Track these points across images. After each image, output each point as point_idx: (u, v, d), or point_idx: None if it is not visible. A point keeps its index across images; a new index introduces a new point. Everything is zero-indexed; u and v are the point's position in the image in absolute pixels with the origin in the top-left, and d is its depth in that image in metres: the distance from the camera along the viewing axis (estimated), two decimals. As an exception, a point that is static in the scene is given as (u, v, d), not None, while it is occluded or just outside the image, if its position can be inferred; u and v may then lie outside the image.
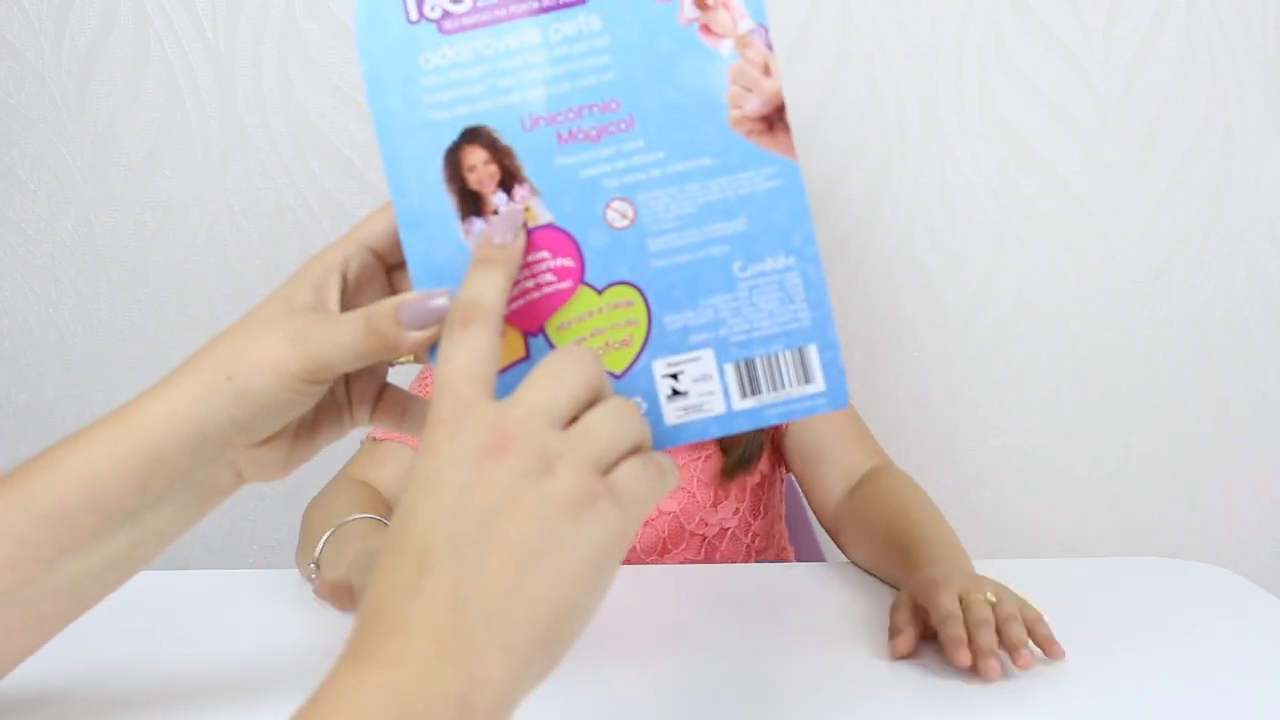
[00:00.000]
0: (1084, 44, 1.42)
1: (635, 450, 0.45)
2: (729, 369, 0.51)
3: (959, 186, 1.47)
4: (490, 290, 0.47)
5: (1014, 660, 0.67)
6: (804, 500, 1.13)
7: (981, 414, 1.53)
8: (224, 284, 1.55)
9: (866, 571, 0.90)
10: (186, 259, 1.54)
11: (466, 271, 0.49)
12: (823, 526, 1.07)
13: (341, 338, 0.50)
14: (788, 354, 0.51)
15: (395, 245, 0.53)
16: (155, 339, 1.57)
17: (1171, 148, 1.45)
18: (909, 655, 0.71)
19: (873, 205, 1.48)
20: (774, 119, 0.51)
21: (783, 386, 0.51)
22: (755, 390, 0.51)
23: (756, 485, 1.13)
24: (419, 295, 0.50)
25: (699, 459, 1.09)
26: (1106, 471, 1.54)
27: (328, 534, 0.85)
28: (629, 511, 0.43)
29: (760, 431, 1.10)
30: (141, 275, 1.55)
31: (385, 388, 0.58)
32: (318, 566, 0.84)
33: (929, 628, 0.72)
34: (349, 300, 0.53)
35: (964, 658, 0.66)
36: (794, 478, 1.14)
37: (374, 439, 1.04)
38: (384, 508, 0.96)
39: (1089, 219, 1.47)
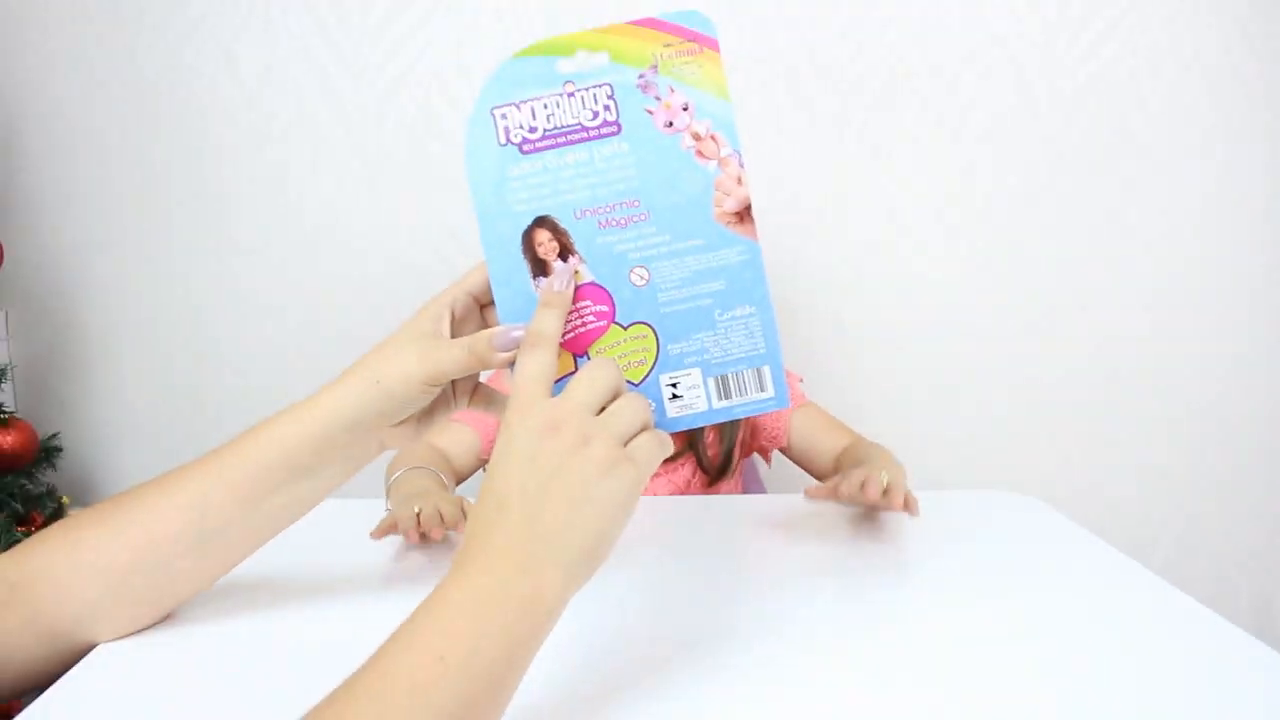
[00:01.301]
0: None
1: (645, 429, 0.70)
2: (710, 381, 0.77)
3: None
4: (550, 324, 0.72)
5: (889, 499, 1.09)
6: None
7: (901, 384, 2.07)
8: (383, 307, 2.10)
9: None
10: (373, 288, 2.09)
11: (535, 311, 0.74)
12: (821, 479, 1.50)
13: (452, 356, 0.75)
14: (750, 371, 0.77)
15: (487, 292, 0.78)
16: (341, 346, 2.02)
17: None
18: (816, 497, 1.16)
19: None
20: (743, 214, 0.76)
21: (746, 393, 0.77)
22: (728, 395, 0.77)
23: (728, 485, 1.56)
24: (504, 329, 0.75)
25: (676, 467, 1.51)
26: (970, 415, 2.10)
27: (395, 476, 1.20)
28: (642, 470, 0.68)
29: (733, 445, 1.53)
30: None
31: (478, 386, 0.83)
32: (388, 496, 1.16)
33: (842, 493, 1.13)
34: (455, 329, 0.78)
35: (853, 479, 1.12)
36: (797, 464, 1.54)
37: (451, 419, 1.30)
38: (445, 463, 1.31)
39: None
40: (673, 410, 0.77)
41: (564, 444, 0.65)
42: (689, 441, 1.50)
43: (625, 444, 0.66)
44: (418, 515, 1.03)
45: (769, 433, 1.52)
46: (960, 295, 2.03)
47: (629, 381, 0.76)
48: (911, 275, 2.02)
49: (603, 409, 0.68)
